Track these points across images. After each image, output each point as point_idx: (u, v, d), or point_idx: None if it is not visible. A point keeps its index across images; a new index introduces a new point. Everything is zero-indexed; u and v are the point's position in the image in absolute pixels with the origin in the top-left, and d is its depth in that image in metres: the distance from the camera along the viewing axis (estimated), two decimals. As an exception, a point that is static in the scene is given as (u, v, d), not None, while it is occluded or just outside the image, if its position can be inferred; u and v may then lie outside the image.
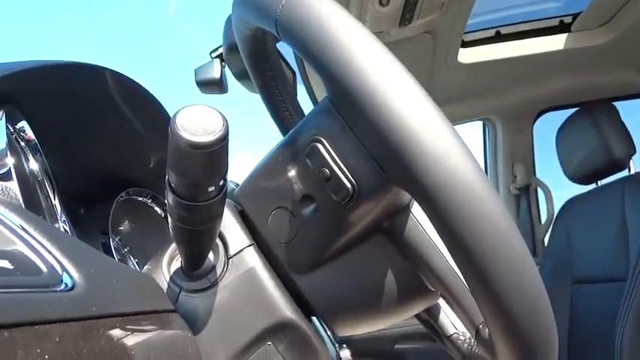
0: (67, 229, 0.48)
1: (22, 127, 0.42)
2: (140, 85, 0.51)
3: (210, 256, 0.39)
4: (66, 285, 0.25)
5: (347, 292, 0.41)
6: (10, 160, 0.35)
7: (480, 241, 0.28)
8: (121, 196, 0.63)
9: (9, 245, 0.25)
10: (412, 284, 0.41)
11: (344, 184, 0.35)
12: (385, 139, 0.29)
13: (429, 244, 0.39)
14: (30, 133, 0.42)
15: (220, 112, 0.28)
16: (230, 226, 0.40)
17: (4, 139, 0.35)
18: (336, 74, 0.31)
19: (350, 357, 0.92)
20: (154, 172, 0.70)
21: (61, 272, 0.26)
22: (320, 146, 0.36)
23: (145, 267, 0.40)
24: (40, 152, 0.45)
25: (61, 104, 0.46)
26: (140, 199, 0.71)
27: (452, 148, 0.29)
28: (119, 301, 0.29)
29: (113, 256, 0.58)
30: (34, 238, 0.26)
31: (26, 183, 0.44)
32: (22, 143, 0.42)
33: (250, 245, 0.40)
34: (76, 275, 0.26)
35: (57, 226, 0.47)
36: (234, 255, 0.39)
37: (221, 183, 0.30)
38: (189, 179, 0.29)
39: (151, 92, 0.53)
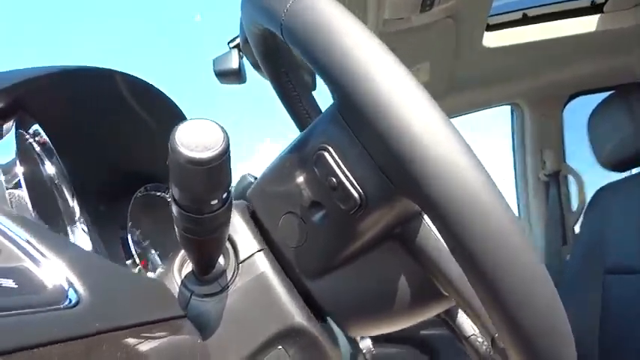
0: (85, 228, 0.49)
1: (36, 130, 0.42)
2: (150, 85, 0.52)
3: (221, 260, 0.39)
4: (70, 301, 0.25)
5: (359, 297, 0.40)
6: (19, 169, 0.35)
7: (488, 258, 0.27)
8: (140, 192, 0.64)
9: (15, 262, 0.25)
10: (425, 290, 0.40)
11: (351, 193, 0.34)
12: (390, 149, 0.28)
13: (442, 250, 0.38)
14: (44, 136, 0.43)
15: (221, 126, 0.28)
16: (240, 230, 0.40)
17: (14, 148, 0.35)
18: (340, 82, 0.30)
19: (371, 346, 0.92)
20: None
21: (67, 287, 0.26)
22: (327, 154, 0.35)
23: (157, 270, 0.41)
24: (56, 155, 0.45)
25: (73, 108, 0.47)
26: (158, 194, 0.73)
27: (459, 158, 0.28)
28: (126, 313, 0.29)
29: (131, 251, 0.59)
30: (41, 253, 0.27)
31: (43, 187, 0.45)
32: (38, 148, 0.43)
33: (260, 250, 0.39)
34: (81, 289, 0.26)
35: (75, 227, 0.48)
36: (245, 260, 0.39)
37: (224, 196, 0.30)
38: (191, 194, 0.29)
39: (162, 90, 0.53)
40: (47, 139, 0.43)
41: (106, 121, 0.50)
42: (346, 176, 0.34)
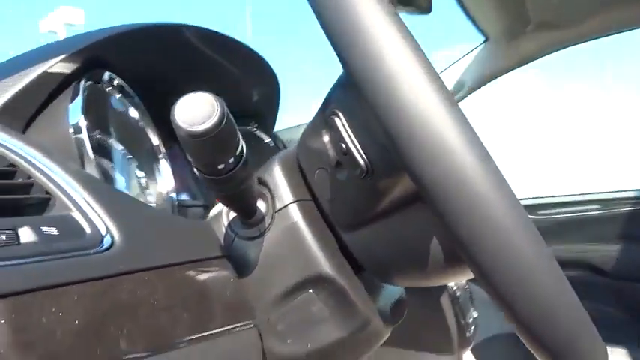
0: (169, 164, 0.56)
1: (111, 74, 0.47)
2: (225, 35, 0.54)
3: (263, 207, 0.43)
4: (102, 245, 0.30)
5: (391, 252, 0.41)
6: (83, 123, 0.41)
7: (481, 248, 0.26)
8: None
9: (63, 211, 0.31)
10: (457, 253, 0.40)
11: (358, 161, 0.34)
12: (387, 129, 0.28)
13: None
14: (120, 81, 0.48)
15: (215, 98, 0.30)
16: (279, 181, 0.43)
17: (80, 102, 0.41)
18: (344, 56, 0.29)
19: (465, 283, 0.92)
20: (258, 105, 0.75)
21: (104, 233, 0.31)
22: (337, 120, 0.35)
23: (210, 213, 0.46)
24: (136, 97, 0.51)
25: (150, 60, 0.51)
26: (248, 127, 0.78)
27: (454, 143, 0.26)
28: (160, 255, 0.34)
29: None
30: (88, 203, 0.32)
31: (127, 129, 0.51)
32: (118, 94, 0.48)
33: (294, 202, 0.42)
34: (116, 235, 0.32)
35: (159, 164, 0.55)
36: (280, 209, 0.42)
37: (231, 160, 0.32)
38: (199, 160, 0.32)
39: (237, 39, 0.56)
40: (123, 83, 0.48)
41: (183, 70, 0.55)
42: (354, 144, 0.35)
